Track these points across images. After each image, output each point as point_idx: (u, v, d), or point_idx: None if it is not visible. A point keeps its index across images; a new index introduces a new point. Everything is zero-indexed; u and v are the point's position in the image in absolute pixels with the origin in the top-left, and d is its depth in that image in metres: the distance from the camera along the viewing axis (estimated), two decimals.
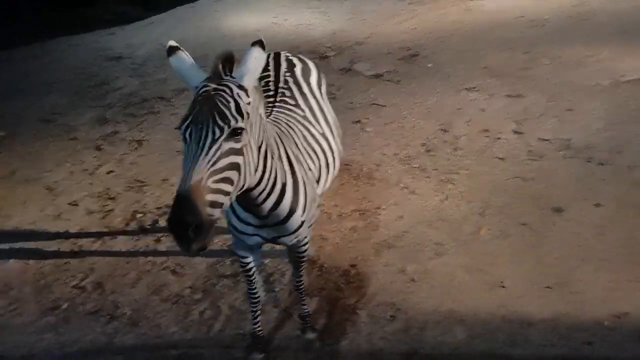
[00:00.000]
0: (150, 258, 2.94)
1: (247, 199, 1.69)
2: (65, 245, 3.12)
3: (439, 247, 2.83)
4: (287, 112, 2.12)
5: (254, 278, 2.10)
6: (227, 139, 1.37)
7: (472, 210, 3.15)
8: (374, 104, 4.83)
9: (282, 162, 1.78)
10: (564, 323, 2.28)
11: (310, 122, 2.17)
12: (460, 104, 4.59)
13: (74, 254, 3.02)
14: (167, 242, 3.06)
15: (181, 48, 1.55)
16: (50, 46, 8.40)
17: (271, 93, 2.23)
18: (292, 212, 1.82)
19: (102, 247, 3.09)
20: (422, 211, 3.17)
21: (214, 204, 1.34)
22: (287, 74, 2.33)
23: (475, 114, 4.37)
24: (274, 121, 1.98)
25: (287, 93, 2.23)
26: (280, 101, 2.18)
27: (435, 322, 2.34)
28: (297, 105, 2.19)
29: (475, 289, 2.51)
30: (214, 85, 1.43)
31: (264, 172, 1.63)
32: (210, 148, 1.35)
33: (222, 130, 1.36)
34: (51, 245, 3.12)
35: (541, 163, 3.58)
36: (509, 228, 2.95)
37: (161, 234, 3.14)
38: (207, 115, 1.37)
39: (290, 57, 2.46)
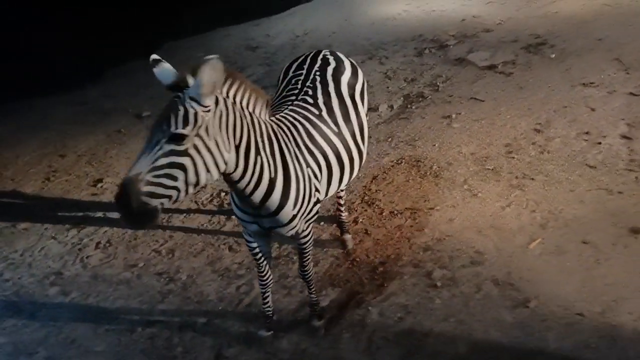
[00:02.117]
0: (217, 233, 3.35)
1: (236, 190, 1.91)
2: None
3: (477, 256, 2.70)
4: (300, 110, 2.24)
5: (262, 262, 2.31)
6: (168, 142, 1.60)
7: (534, 220, 2.90)
8: (473, 98, 4.59)
9: (274, 157, 1.93)
10: (583, 357, 2.05)
11: (325, 121, 2.25)
12: (569, 100, 4.12)
13: (162, 224, 3.58)
14: (234, 221, 3.44)
15: (163, 60, 1.80)
16: (209, 37, 9.53)
17: (296, 92, 2.37)
18: (281, 206, 1.98)
19: (185, 218, 3.60)
20: (476, 216, 3.02)
21: (153, 195, 1.60)
22: (317, 73, 2.43)
23: (582, 113, 3.90)
24: (279, 119, 2.13)
25: (310, 92, 2.35)
26: (301, 99, 2.31)
27: (440, 331, 2.29)
28: (314, 104, 2.29)
29: (497, 305, 2.37)
30: (174, 94, 1.67)
31: (246, 166, 1.82)
32: (153, 148, 1.59)
33: (163, 133, 1.60)
34: None
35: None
36: (568, 244, 2.67)
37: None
38: (159, 120, 1.62)
39: (328, 56, 2.55)
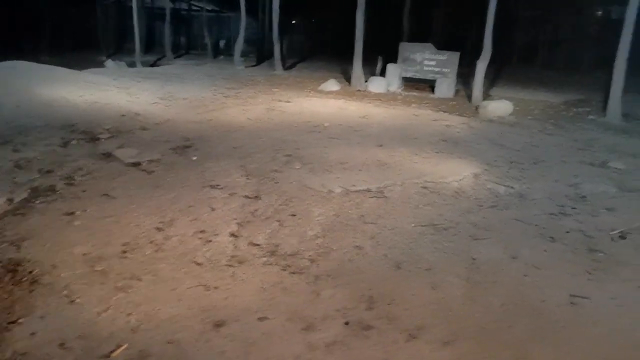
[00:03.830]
0: None
1: None
2: None
3: None
4: None
5: None
6: None
7: (128, 324, 2.78)
8: (107, 194, 4.44)
9: None
10: None
11: None
12: (196, 201, 4.40)
13: None
14: None
15: None
16: None
17: None
18: None
19: None
20: (66, 326, 2.72)
21: None
22: None
23: (204, 213, 4.19)
24: None
25: None
26: None
27: None
28: None
29: None
30: None
31: None
32: None
33: None
34: None
35: (238, 270, 3.40)
36: (153, 347, 2.62)
37: None
38: None
39: None
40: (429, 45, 13.31)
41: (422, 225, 4.20)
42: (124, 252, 3.51)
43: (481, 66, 11.30)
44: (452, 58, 12.73)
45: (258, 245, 3.74)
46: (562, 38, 22.38)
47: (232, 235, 3.87)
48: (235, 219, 4.12)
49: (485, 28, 11.18)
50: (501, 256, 3.76)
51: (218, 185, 4.73)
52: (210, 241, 3.75)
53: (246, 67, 18.01)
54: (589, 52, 20.25)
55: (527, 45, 23.20)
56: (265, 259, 3.56)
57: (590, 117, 10.16)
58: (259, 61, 20.53)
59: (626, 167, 6.24)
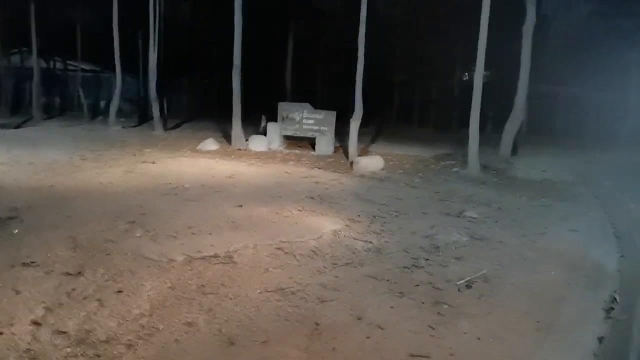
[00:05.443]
0: None
1: None
2: None
3: None
4: None
5: None
6: None
7: None
8: None
9: None
10: None
11: None
12: None
13: None
14: None
15: None
16: None
17: None
18: None
19: None
20: None
21: None
22: None
23: (4, 299, 3.48)
24: None
25: None
26: None
27: None
28: None
29: None
30: None
31: None
32: None
33: None
34: None
35: None
36: None
37: None
38: None
39: None
40: (307, 104, 13.60)
41: (268, 291, 3.87)
42: None
43: (354, 125, 11.70)
44: (328, 117, 13.08)
45: (65, 333, 3.13)
46: (433, 99, 24.38)
47: (34, 323, 3.22)
48: (43, 302, 3.47)
49: (355, 90, 11.68)
50: (346, 318, 3.52)
51: (33, 263, 4.04)
52: (1, 334, 3.07)
53: (125, 127, 17.11)
54: (456, 112, 22.17)
55: (404, 105, 24.94)
56: (69, 349, 2.97)
57: (454, 169, 10.81)
58: (141, 121, 19.66)
59: (479, 215, 6.52)
